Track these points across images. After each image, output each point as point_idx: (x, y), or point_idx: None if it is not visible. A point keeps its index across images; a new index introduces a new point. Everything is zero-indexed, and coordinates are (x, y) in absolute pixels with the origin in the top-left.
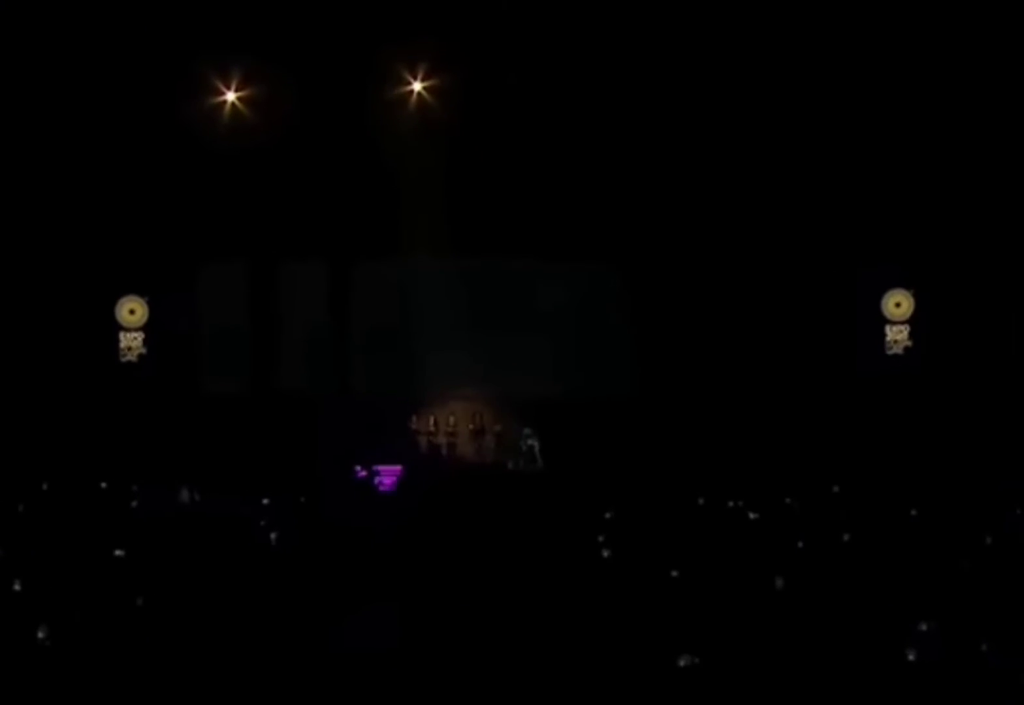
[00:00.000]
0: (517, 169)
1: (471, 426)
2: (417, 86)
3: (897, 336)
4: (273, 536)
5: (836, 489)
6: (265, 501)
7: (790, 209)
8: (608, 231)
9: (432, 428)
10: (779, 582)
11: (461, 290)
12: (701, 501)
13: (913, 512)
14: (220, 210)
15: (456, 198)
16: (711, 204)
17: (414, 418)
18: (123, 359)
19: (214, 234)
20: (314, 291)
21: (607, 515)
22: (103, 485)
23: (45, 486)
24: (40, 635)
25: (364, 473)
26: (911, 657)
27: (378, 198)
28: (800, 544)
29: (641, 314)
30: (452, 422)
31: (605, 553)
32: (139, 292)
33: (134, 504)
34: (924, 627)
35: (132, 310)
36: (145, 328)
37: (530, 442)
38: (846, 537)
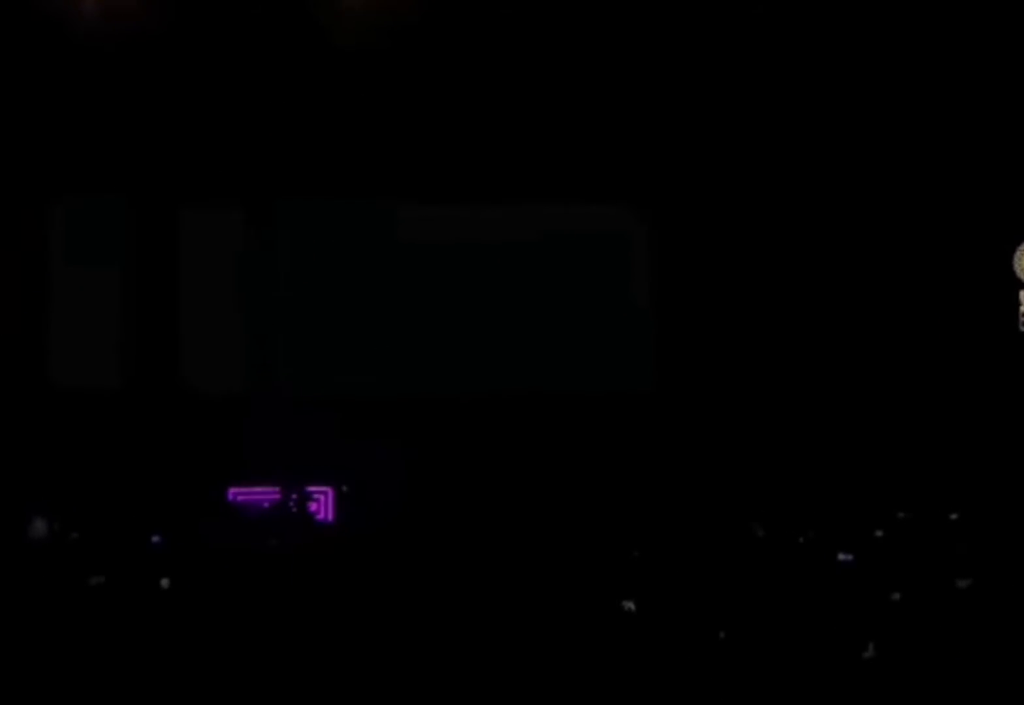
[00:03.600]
0: (510, 79)
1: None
2: None
3: None
4: (164, 583)
5: (954, 517)
6: (155, 539)
7: (881, 135)
8: (628, 166)
9: (384, 436)
10: (870, 650)
11: (425, 246)
12: (761, 532)
13: None
14: (86, 130)
15: (424, 119)
16: (770, 127)
17: (357, 423)
18: None
19: (75, 162)
20: (221, 245)
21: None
22: None
23: None
24: None
25: (279, 495)
26: None
27: (314, 118)
28: (896, 595)
29: (666, 277)
30: (413, 429)
31: (629, 605)
32: None
33: None
34: None
35: None
36: None
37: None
38: (964, 584)
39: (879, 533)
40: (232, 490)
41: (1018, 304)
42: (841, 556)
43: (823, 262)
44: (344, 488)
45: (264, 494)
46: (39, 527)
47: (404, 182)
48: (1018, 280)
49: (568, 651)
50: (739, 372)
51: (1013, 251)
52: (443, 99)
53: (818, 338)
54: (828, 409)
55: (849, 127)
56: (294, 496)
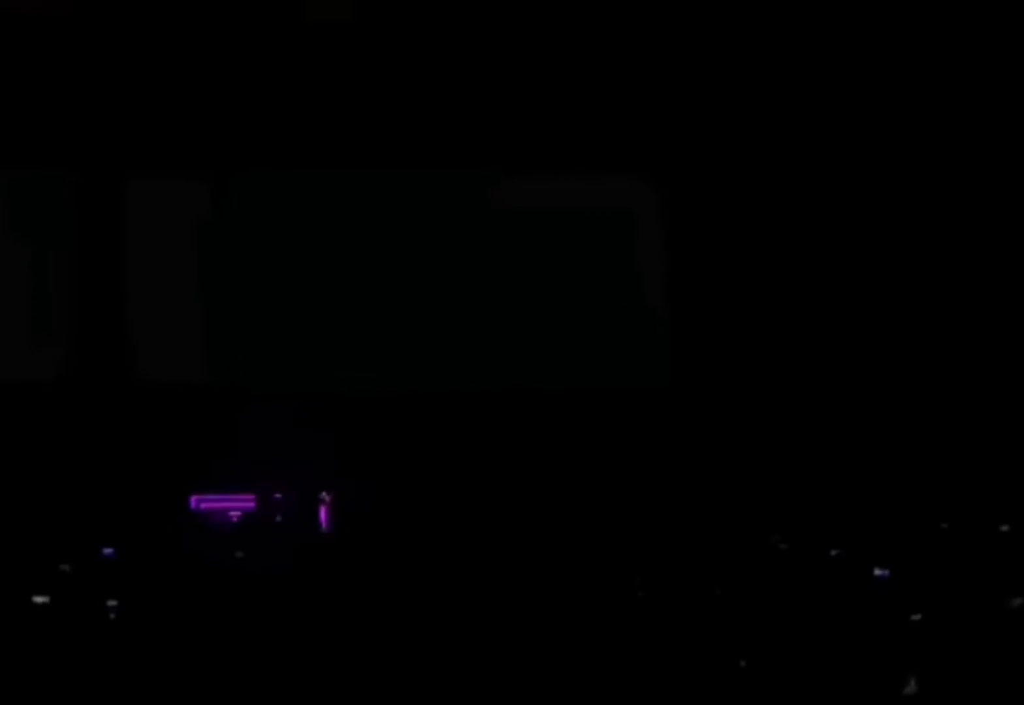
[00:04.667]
0: (502, 29)
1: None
2: None
3: None
4: (112, 605)
5: (1005, 528)
6: (107, 550)
7: (908, 108)
8: (637, 132)
9: (372, 436)
10: (912, 685)
11: (406, 223)
12: (784, 546)
13: None
14: (23, 95)
15: (402, 76)
16: (802, 94)
17: (337, 422)
18: None
19: (11, 131)
20: (173, 223)
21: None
22: None
23: None
24: None
25: (252, 503)
26: None
27: (278, 75)
28: (917, 616)
29: (681, 258)
30: (401, 428)
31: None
32: None
33: None
34: None
35: None
36: None
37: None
38: (1017, 603)
39: (919, 546)
40: (195, 497)
41: None
42: (877, 572)
43: (856, 245)
44: (325, 495)
45: (232, 501)
46: None
47: (381, 151)
48: None
49: (568, 678)
50: (762, 366)
51: None
52: (429, 60)
53: (851, 328)
54: (861, 407)
55: (876, 101)
56: (281, 502)
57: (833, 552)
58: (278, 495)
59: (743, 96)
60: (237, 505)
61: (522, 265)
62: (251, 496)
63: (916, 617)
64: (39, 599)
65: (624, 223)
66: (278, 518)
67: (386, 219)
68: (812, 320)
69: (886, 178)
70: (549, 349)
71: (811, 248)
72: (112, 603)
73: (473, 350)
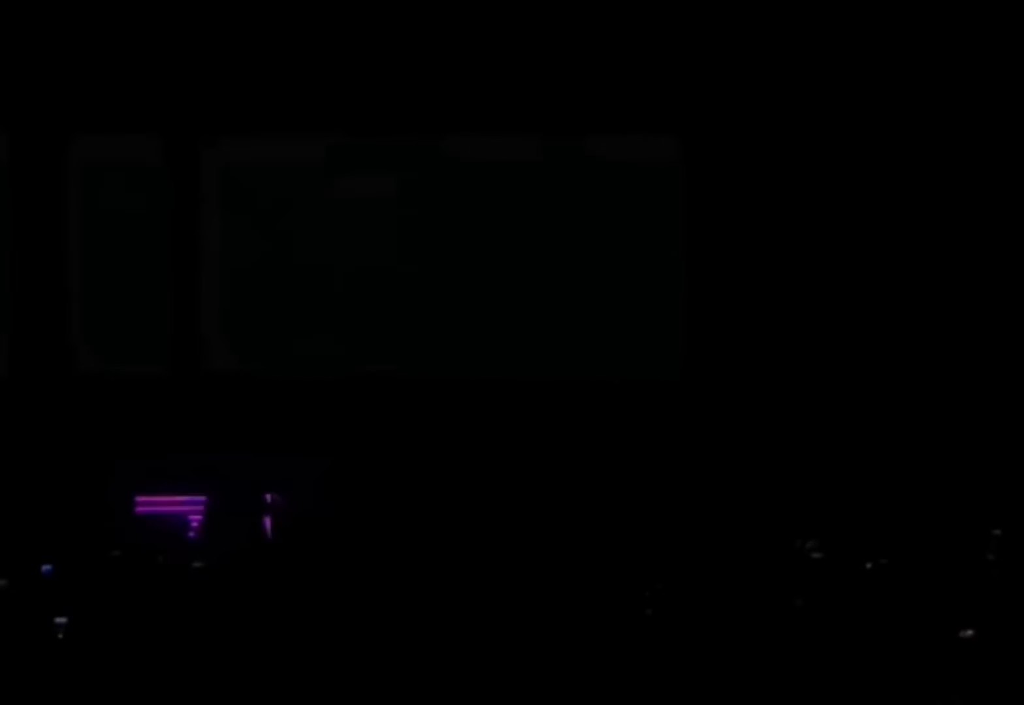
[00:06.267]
0: None
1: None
2: None
3: None
4: (60, 621)
5: None
6: (46, 567)
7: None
8: (665, 88)
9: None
10: None
11: (390, 192)
12: (818, 555)
13: None
14: None
15: (398, 26)
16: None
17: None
18: None
19: None
20: (139, 191)
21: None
22: None
23: None
24: None
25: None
26: None
27: (248, 30)
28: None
29: (699, 235)
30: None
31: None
32: None
33: None
34: None
35: None
36: None
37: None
38: None
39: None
40: (141, 498)
41: None
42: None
43: (883, 238)
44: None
45: (184, 505)
46: None
47: (373, 114)
48: None
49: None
50: (785, 356)
51: None
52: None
53: (881, 319)
54: (898, 403)
55: (916, 83)
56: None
57: (869, 565)
58: (238, 496)
59: (777, 65)
60: (188, 508)
61: (517, 243)
62: (203, 499)
63: (967, 634)
64: None
65: (640, 198)
66: (237, 522)
67: (371, 185)
68: (839, 310)
69: (924, 172)
70: (554, 336)
71: (834, 240)
72: (60, 621)
73: (469, 333)
